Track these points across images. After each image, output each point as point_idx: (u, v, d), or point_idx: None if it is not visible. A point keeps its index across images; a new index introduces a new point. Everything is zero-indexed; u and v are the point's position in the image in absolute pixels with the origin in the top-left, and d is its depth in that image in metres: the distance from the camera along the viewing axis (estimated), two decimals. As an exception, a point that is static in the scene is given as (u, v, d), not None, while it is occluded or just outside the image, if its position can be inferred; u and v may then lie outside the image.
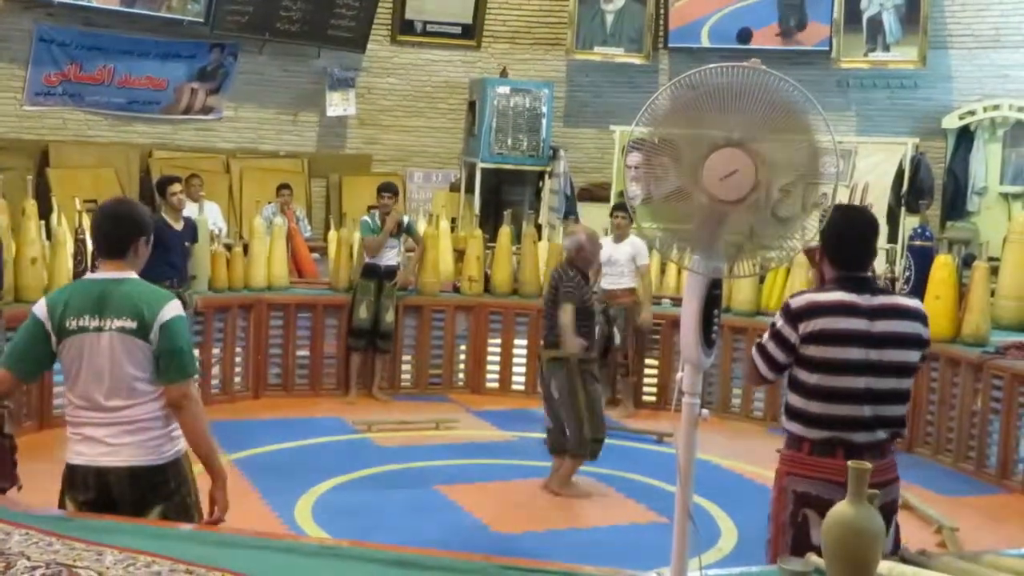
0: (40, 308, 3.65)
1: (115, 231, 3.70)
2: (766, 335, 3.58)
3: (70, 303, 3.60)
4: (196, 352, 8.63)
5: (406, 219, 9.40)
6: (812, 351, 3.48)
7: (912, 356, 3.57)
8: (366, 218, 9.22)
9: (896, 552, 3.46)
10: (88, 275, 3.80)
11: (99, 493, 3.60)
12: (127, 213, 3.78)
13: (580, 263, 6.88)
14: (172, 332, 3.58)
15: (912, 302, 3.73)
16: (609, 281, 8.94)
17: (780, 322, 3.53)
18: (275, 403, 8.95)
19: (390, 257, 9.17)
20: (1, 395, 3.80)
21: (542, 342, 7.04)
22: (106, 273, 3.68)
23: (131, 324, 3.54)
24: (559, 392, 6.84)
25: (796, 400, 3.54)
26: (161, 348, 3.57)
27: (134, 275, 3.67)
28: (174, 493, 3.66)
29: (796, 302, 3.53)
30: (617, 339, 9.01)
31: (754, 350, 3.61)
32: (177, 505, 3.65)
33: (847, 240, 3.58)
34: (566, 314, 6.68)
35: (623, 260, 8.92)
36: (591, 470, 7.49)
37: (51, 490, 4.78)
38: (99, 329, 3.55)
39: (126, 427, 3.58)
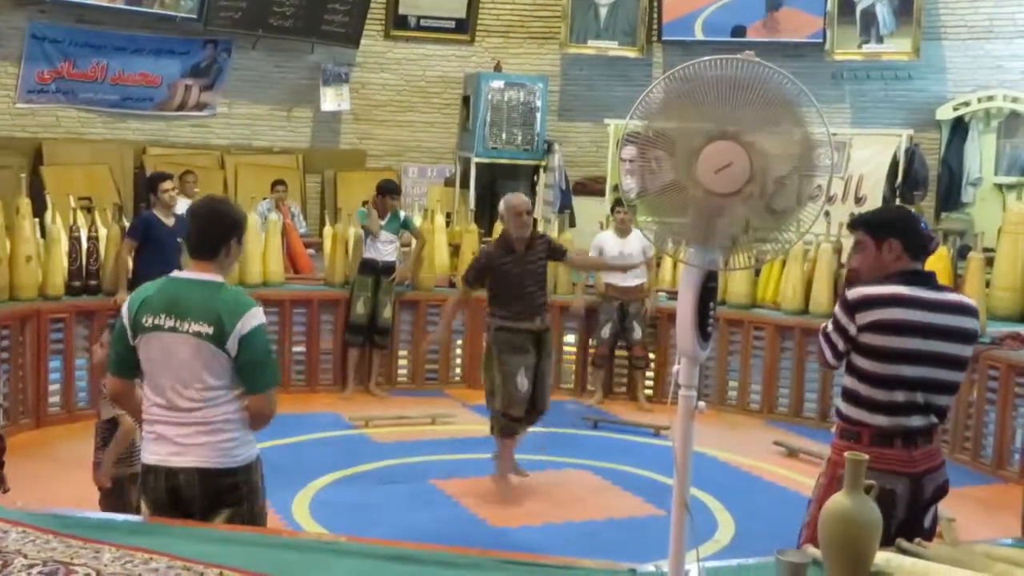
0: (125, 304, 3.63)
1: (208, 230, 3.63)
2: (830, 325, 3.69)
3: (149, 300, 3.55)
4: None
5: (403, 214, 9.40)
6: (869, 339, 3.58)
7: (968, 351, 3.70)
8: (363, 210, 9.26)
9: (935, 529, 3.63)
10: (175, 273, 3.72)
11: (171, 494, 3.53)
12: (222, 212, 3.71)
13: None
14: (253, 344, 3.53)
15: (968, 299, 3.87)
16: (623, 277, 8.87)
17: (839, 312, 3.65)
18: (271, 399, 8.93)
19: (388, 253, 9.15)
20: (116, 397, 3.75)
21: (542, 318, 6.81)
22: (192, 273, 3.62)
23: (207, 330, 3.48)
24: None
25: (860, 387, 3.62)
26: (243, 360, 3.52)
27: (220, 278, 3.60)
28: (243, 500, 3.58)
29: (851, 294, 3.63)
30: (638, 333, 9.04)
31: (822, 338, 3.72)
32: (245, 512, 3.56)
33: (921, 230, 3.77)
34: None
35: (636, 254, 8.89)
36: (590, 463, 7.50)
37: (48, 488, 4.80)
38: (174, 329, 3.49)
39: (199, 428, 3.52)
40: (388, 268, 9.15)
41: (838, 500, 2.72)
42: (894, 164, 11.31)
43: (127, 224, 8.62)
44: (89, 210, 9.57)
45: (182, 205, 9.02)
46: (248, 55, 12.51)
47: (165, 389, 3.53)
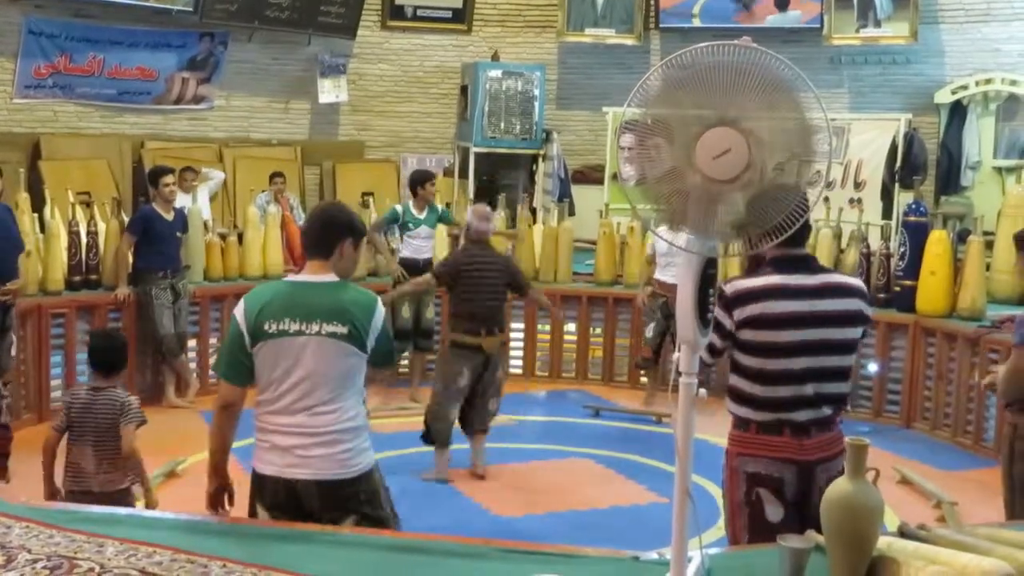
0: (239, 310, 3.58)
1: (323, 230, 3.66)
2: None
3: (269, 305, 3.52)
4: (193, 342, 8.78)
5: (440, 207, 9.22)
6: (749, 335, 3.53)
7: (854, 333, 3.63)
8: (398, 207, 8.82)
9: None
10: (290, 276, 3.72)
11: (289, 503, 3.52)
12: (336, 214, 3.76)
13: None
14: (385, 335, 3.62)
15: (852, 279, 3.79)
16: (672, 274, 8.05)
17: (717, 309, 3.53)
18: (273, 392, 8.91)
19: (427, 249, 8.82)
20: (229, 404, 3.63)
21: (489, 330, 6.83)
22: (309, 275, 3.62)
23: (342, 329, 3.48)
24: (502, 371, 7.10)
25: (741, 383, 3.59)
26: (375, 351, 3.58)
27: (336, 277, 3.62)
28: (364, 505, 3.57)
29: (729, 289, 3.56)
30: None
31: None
32: (369, 517, 3.56)
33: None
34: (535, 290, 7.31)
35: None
36: (593, 451, 7.50)
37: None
38: (300, 333, 3.48)
39: (318, 438, 3.50)
40: (429, 265, 8.62)
41: (840, 485, 2.72)
42: (893, 149, 11.30)
43: (126, 218, 8.62)
44: (88, 204, 9.57)
45: (181, 200, 9.05)
46: (245, 48, 12.48)
47: (287, 395, 3.50)
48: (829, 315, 3.55)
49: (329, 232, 3.65)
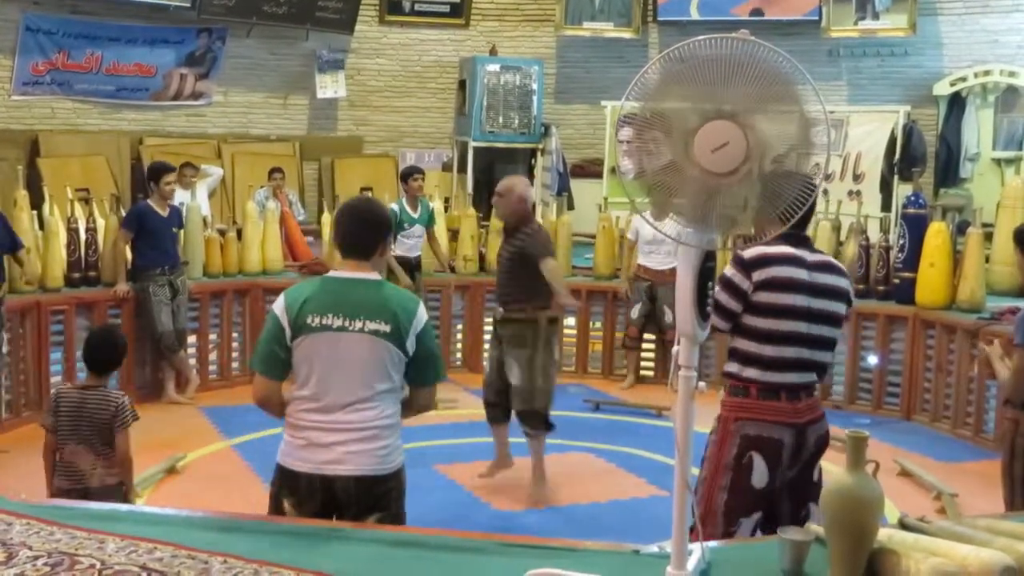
0: (279, 305, 3.54)
1: (364, 230, 3.62)
2: (717, 287, 3.80)
3: (312, 299, 3.49)
4: (193, 338, 8.77)
5: (431, 207, 9.25)
6: (764, 297, 3.75)
7: (842, 308, 3.92)
8: (394, 206, 8.72)
9: (821, 484, 3.83)
10: (332, 273, 3.67)
11: (324, 500, 3.49)
12: (375, 214, 3.73)
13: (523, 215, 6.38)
14: (428, 338, 3.58)
15: (837, 261, 4.12)
16: (657, 260, 8.72)
17: (731, 271, 3.79)
18: (273, 387, 8.92)
19: (418, 247, 8.89)
20: (265, 400, 3.60)
21: (503, 304, 6.43)
22: (350, 272, 3.58)
23: (385, 327, 3.46)
24: (538, 357, 6.38)
25: (749, 346, 3.80)
26: (419, 356, 3.54)
27: (377, 275, 3.61)
28: (393, 503, 3.56)
29: (748, 253, 3.78)
30: (670, 317, 8.93)
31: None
32: (393, 516, 3.54)
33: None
34: (553, 268, 6.22)
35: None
36: (593, 445, 7.51)
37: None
38: (343, 329, 3.45)
39: (359, 434, 3.47)
40: (419, 263, 8.91)
41: (840, 477, 2.72)
42: (892, 141, 11.29)
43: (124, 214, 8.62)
44: (87, 201, 9.55)
45: (181, 196, 9.04)
46: (243, 43, 12.48)
47: (327, 392, 3.48)
48: (826, 288, 3.83)
49: (371, 231, 3.63)
